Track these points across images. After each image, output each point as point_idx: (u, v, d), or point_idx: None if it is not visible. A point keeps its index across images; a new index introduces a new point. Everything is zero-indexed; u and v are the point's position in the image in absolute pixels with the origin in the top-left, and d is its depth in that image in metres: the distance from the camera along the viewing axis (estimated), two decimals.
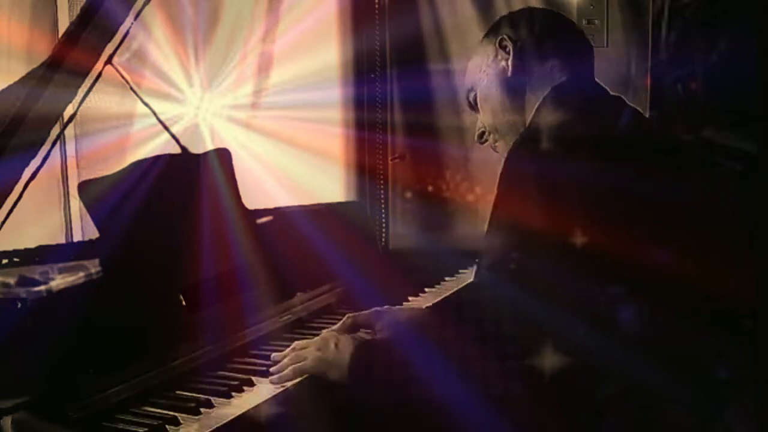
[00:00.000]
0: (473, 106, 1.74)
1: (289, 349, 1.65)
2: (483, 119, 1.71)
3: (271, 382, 1.58)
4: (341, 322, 1.74)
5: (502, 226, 1.44)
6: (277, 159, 2.67)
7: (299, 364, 1.59)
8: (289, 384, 1.57)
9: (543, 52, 1.60)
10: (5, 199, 1.47)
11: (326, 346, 1.60)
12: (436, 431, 1.55)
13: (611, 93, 1.61)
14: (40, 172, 1.55)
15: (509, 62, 1.61)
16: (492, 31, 1.69)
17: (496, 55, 1.63)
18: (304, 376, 1.59)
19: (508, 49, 1.62)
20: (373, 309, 1.75)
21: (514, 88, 1.61)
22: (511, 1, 2.68)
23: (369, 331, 1.72)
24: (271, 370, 1.61)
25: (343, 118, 2.94)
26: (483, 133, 1.73)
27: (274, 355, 1.67)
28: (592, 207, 1.35)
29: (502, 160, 1.51)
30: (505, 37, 1.62)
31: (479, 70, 1.68)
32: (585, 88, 1.58)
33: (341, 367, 1.55)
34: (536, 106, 1.57)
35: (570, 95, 1.54)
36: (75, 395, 1.44)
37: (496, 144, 1.70)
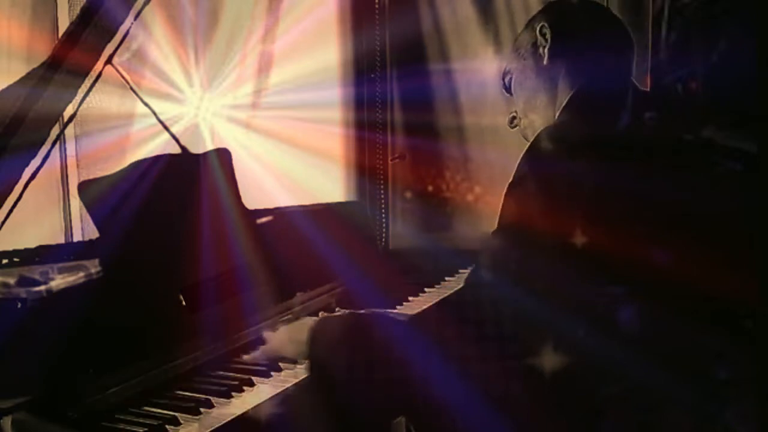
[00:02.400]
0: (508, 89, 1.71)
1: None
2: (516, 104, 1.69)
3: None
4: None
5: (539, 236, 1.42)
6: (277, 159, 2.67)
7: None
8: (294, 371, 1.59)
9: (581, 46, 1.56)
10: (5, 199, 1.47)
11: None
12: (435, 431, 1.55)
13: (637, 88, 1.58)
14: (40, 172, 1.55)
15: (546, 50, 1.58)
16: (537, 16, 1.66)
17: (536, 42, 1.60)
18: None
19: (547, 37, 1.58)
20: (373, 312, 1.74)
21: (547, 79, 1.58)
22: (511, 1, 2.67)
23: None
24: None
25: (343, 118, 2.94)
26: (514, 118, 1.70)
27: None
28: (592, 207, 1.35)
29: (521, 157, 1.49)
30: (545, 24, 1.59)
31: (518, 53, 1.65)
32: (606, 88, 1.55)
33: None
34: (564, 103, 1.55)
35: (585, 96, 1.53)
36: (75, 395, 1.44)
37: (526, 131, 1.67)
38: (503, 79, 1.72)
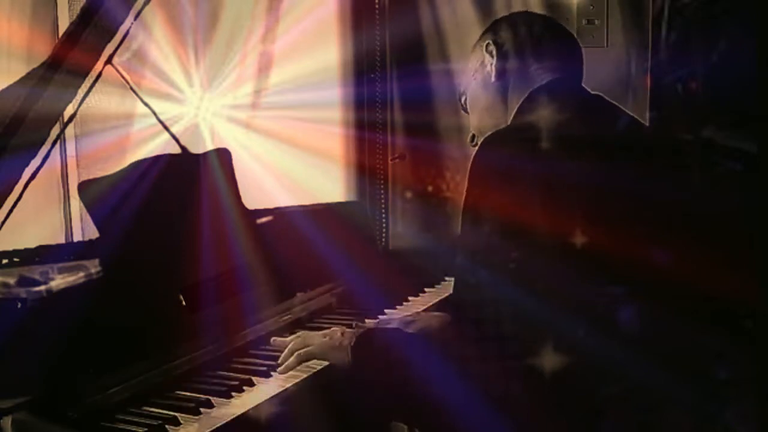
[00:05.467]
0: (465, 109, 1.76)
1: (293, 336, 1.73)
2: (471, 122, 1.72)
3: (279, 372, 1.64)
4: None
5: (474, 221, 1.43)
6: (277, 159, 2.67)
7: (305, 349, 1.66)
8: (293, 371, 1.64)
9: (526, 57, 1.60)
10: (5, 199, 1.47)
11: (332, 334, 1.67)
12: (435, 431, 1.55)
13: (592, 93, 1.60)
14: (40, 172, 1.55)
15: (493, 66, 1.62)
16: (482, 35, 1.70)
17: (483, 60, 1.64)
18: (308, 369, 1.63)
19: (493, 54, 1.63)
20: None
21: (497, 92, 1.62)
22: (511, 1, 2.67)
23: None
24: (280, 359, 1.67)
25: (343, 118, 2.94)
26: (474, 136, 1.73)
27: (275, 339, 1.77)
28: (592, 207, 1.35)
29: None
30: (490, 42, 1.63)
31: (470, 74, 1.70)
32: (567, 89, 1.57)
33: (344, 349, 1.60)
34: (516, 108, 1.57)
35: (550, 96, 1.53)
36: (75, 395, 1.44)
37: None
38: (459, 100, 1.77)
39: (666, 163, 1.47)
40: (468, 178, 1.46)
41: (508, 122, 1.59)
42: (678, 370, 1.34)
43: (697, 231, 1.37)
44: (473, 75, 1.68)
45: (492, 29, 1.67)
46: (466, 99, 1.73)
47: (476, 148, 1.72)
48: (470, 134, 1.75)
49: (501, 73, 1.61)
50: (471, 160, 1.48)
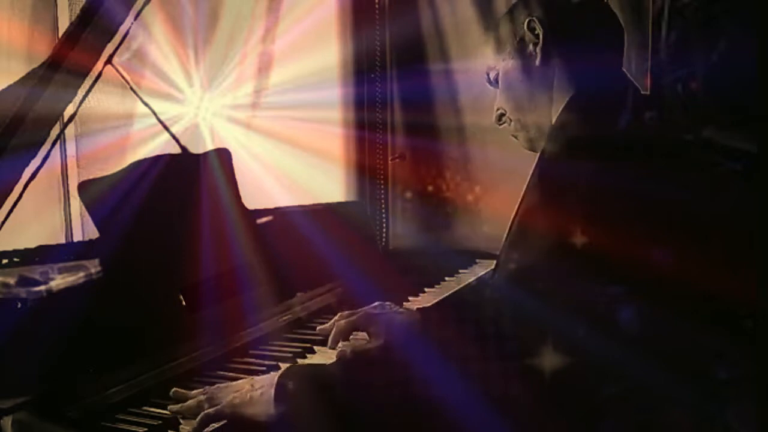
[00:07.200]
0: (493, 84, 1.62)
1: (197, 392, 1.45)
2: (503, 102, 1.60)
3: None
4: (332, 321, 1.69)
5: (538, 236, 1.39)
6: (277, 159, 2.67)
7: (213, 409, 1.38)
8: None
9: (576, 42, 1.47)
10: (5, 199, 1.47)
11: (240, 388, 1.41)
12: (435, 431, 1.55)
13: (637, 87, 1.52)
14: (40, 172, 1.55)
15: (538, 49, 1.48)
16: (519, 7, 1.55)
17: (523, 37, 1.50)
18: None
19: (537, 33, 1.49)
20: (366, 311, 1.69)
21: (541, 80, 1.50)
22: (511, 1, 2.67)
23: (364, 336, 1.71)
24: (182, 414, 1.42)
25: (343, 118, 2.94)
26: (502, 115, 1.61)
27: (175, 390, 1.49)
28: (592, 207, 1.35)
29: (534, 163, 1.44)
30: (534, 18, 1.49)
31: (503, 48, 1.56)
32: (608, 88, 1.47)
33: (263, 403, 1.38)
34: (561, 107, 1.49)
35: (587, 97, 1.47)
36: (75, 395, 1.44)
37: (517, 133, 1.60)
38: (487, 73, 1.63)
39: (666, 162, 1.46)
40: (535, 193, 1.39)
41: (552, 117, 1.50)
42: (678, 370, 1.34)
43: (697, 231, 1.37)
44: (508, 51, 1.53)
45: (532, 3, 1.52)
46: (497, 75, 1.59)
47: (503, 126, 1.63)
48: (497, 112, 1.62)
49: (546, 58, 1.47)
50: (538, 172, 1.39)
